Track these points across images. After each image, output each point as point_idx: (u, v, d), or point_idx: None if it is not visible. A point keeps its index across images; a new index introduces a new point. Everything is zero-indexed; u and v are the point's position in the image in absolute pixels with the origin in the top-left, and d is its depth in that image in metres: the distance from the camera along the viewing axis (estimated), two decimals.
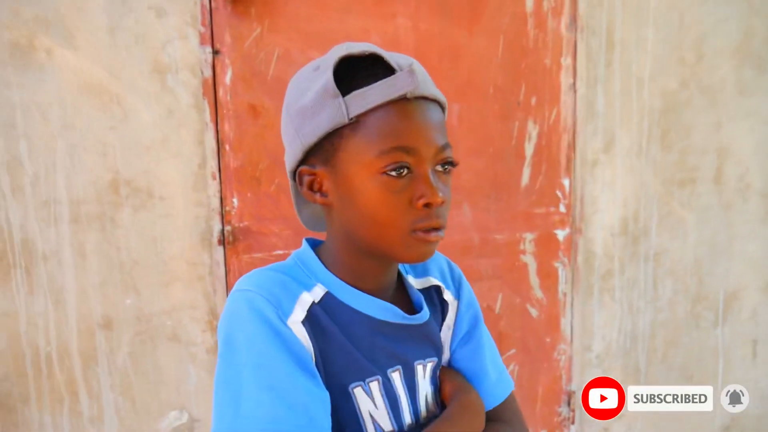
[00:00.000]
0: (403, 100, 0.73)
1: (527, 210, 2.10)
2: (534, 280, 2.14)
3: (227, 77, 1.81)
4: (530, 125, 2.06)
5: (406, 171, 0.73)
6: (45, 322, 1.78)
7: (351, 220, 0.77)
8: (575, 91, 2.08)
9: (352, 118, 0.73)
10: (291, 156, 0.81)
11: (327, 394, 0.74)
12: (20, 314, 1.76)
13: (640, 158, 2.18)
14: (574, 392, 2.22)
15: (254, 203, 1.87)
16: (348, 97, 0.72)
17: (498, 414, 0.91)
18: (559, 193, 2.12)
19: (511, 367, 2.16)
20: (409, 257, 0.77)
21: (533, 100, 2.06)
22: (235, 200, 1.85)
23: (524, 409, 2.15)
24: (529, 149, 2.08)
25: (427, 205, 0.73)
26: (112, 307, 1.81)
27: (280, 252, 1.88)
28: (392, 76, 0.72)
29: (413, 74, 0.71)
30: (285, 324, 0.73)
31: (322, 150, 0.76)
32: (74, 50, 1.71)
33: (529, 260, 2.13)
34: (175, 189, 1.81)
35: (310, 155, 0.78)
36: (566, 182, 2.12)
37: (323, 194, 0.79)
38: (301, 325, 0.75)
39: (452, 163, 0.78)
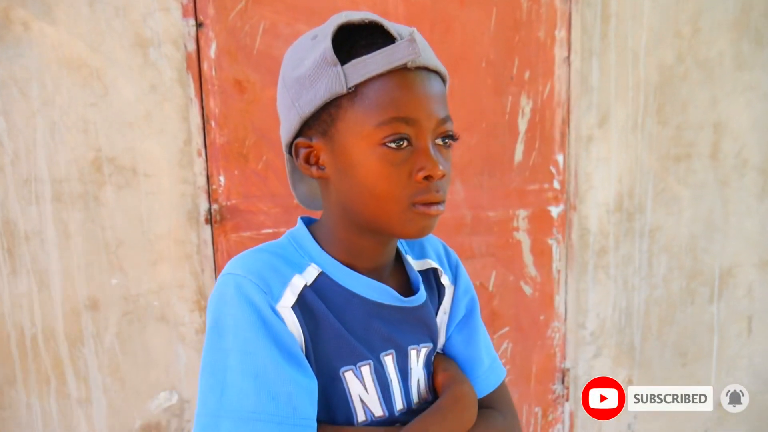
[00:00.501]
0: (403, 70, 0.70)
1: (521, 187, 2.07)
2: (528, 257, 2.12)
3: (211, 51, 1.76)
4: (524, 100, 2.02)
5: (405, 143, 0.70)
6: (29, 303, 1.74)
7: (348, 194, 0.74)
8: (569, 65, 2.04)
9: (350, 88, 0.70)
10: (287, 128, 0.78)
11: (313, 382, 0.72)
12: (3, 295, 1.73)
13: (636, 133, 2.15)
14: (568, 370, 2.20)
15: (241, 181, 1.83)
16: (347, 65, 0.69)
17: (490, 401, 0.89)
18: (553, 169, 2.08)
19: (505, 344, 2.14)
20: (408, 232, 0.74)
21: (527, 74, 2.01)
22: (221, 178, 1.81)
23: (518, 387, 2.14)
24: (522, 124, 2.04)
25: (427, 178, 0.71)
26: (98, 288, 1.78)
27: (269, 230, 1.84)
28: (393, 45, 0.69)
29: (414, 43, 0.69)
30: (274, 310, 0.71)
31: (320, 121, 0.73)
32: (52, 23, 1.66)
33: (523, 237, 2.10)
34: (160, 166, 1.77)
35: (306, 127, 0.75)
36: (560, 158, 2.08)
37: (320, 167, 0.76)
38: (291, 311, 0.72)
39: (453, 137, 0.76)
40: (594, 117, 2.10)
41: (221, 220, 1.82)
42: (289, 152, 0.80)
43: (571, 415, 2.24)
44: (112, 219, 1.76)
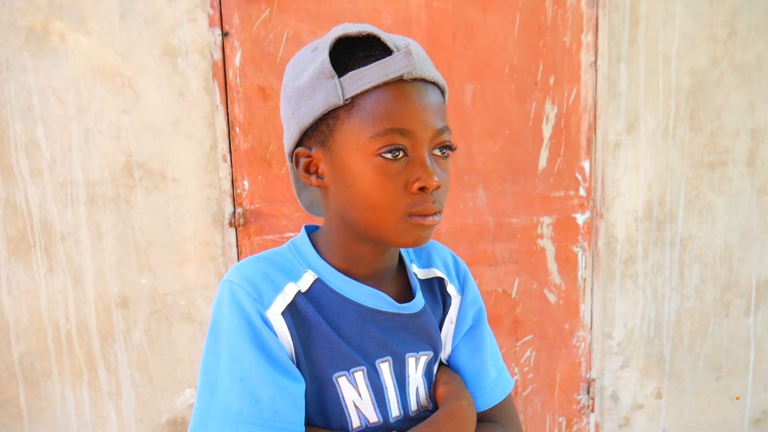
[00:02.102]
0: (399, 82, 0.71)
1: (545, 193, 2.05)
2: (552, 265, 2.10)
3: (236, 59, 1.81)
4: (548, 106, 2.00)
5: (401, 154, 0.71)
6: (64, 300, 1.84)
7: (346, 203, 0.76)
8: (596, 70, 2.00)
9: (347, 99, 0.71)
10: (288, 137, 0.80)
11: (299, 386, 0.74)
12: (40, 292, 1.82)
13: (666, 139, 2.10)
14: (594, 380, 2.17)
15: (265, 185, 1.88)
16: (344, 78, 0.71)
17: (494, 414, 0.89)
18: (578, 176, 2.06)
19: (528, 352, 2.12)
20: (404, 242, 0.75)
21: (551, 80, 1.99)
22: (245, 182, 1.87)
23: (542, 396, 2.12)
24: (547, 131, 2.02)
25: (422, 189, 0.72)
26: (128, 286, 1.86)
27: (291, 234, 1.89)
28: (388, 57, 0.70)
29: (410, 55, 0.69)
30: (263, 316, 0.74)
31: (318, 132, 0.75)
32: (87, 34, 1.74)
33: (547, 244, 2.08)
34: (187, 171, 1.84)
35: (306, 137, 0.77)
36: (586, 165, 2.05)
37: (319, 176, 0.78)
38: (281, 317, 0.75)
39: (450, 147, 0.76)
40: (622, 123, 2.06)
41: (245, 224, 1.88)
42: (291, 161, 0.82)
43: (597, 427, 2.20)
44: (142, 221, 1.84)
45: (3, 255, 1.80)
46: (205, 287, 1.89)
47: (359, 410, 0.79)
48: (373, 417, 0.80)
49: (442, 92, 0.78)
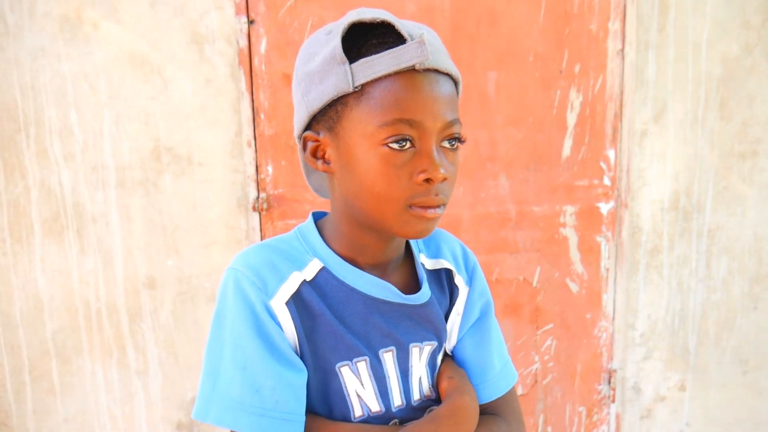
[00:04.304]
0: (411, 72, 0.70)
1: (568, 182, 2.03)
2: (575, 254, 2.08)
3: (262, 47, 1.84)
4: (573, 94, 1.99)
5: (408, 144, 0.71)
6: (95, 280, 1.90)
7: (350, 190, 0.76)
8: (623, 58, 1.98)
9: (357, 87, 0.71)
10: (297, 121, 0.80)
11: (301, 377, 0.75)
12: (72, 272, 1.89)
13: (695, 129, 2.06)
14: (615, 371, 2.15)
15: (288, 171, 1.91)
16: (355, 64, 0.71)
17: (496, 407, 0.89)
18: (603, 165, 2.04)
19: (549, 341, 2.12)
20: (406, 233, 0.75)
21: (577, 68, 1.97)
22: (269, 168, 1.90)
23: (562, 385, 2.12)
24: (571, 119, 2.00)
25: (427, 181, 0.72)
26: (156, 268, 1.92)
27: None
28: (401, 46, 0.70)
29: (423, 45, 0.69)
30: (266, 306, 0.74)
31: (327, 117, 0.75)
32: (118, 23, 1.79)
33: (570, 234, 2.07)
34: (213, 156, 1.88)
35: (314, 121, 0.77)
36: (611, 154, 2.03)
37: (326, 162, 0.78)
38: (285, 306, 0.75)
39: (460, 140, 0.76)
40: (649, 112, 2.03)
41: (268, 208, 1.91)
42: (300, 143, 0.82)
43: (617, 417, 2.19)
44: (169, 204, 1.89)
45: (38, 236, 1.87)
46: None
47: (361, 399, 0.80)
48: (375, 406, 0.80)
49: (456, 83, 0.77)
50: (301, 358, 0.77)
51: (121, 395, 1.97)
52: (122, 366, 1.96)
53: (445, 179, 0.72)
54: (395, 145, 0.71)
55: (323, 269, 0.79)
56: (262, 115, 1.87)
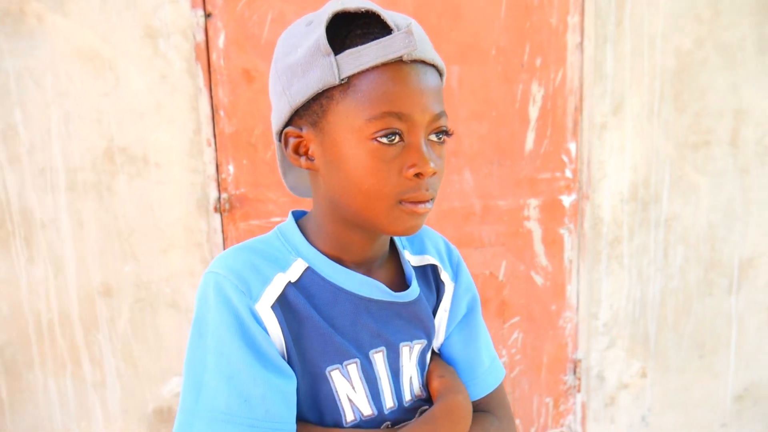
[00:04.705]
0: (398, 63, 0.68)
1: (531, 175, 2.04)
2: (539, 246, 2.10)
3: (220, 41, 1.77)
4: (535, 87, 2.00)
5: (397, 138, 0.69)
6: (45, 290, 1.80)
7: (337, 188, 0.73)
8: (582, 51, 2.00)
9: (343, 79, 0.68)
10: (277, 116, 0.76)
11: (291, 383, 0.72)
12: (21, 282, 1.78)
13: (652, 121, 2.10)
14: (580, 360, 2.19)
15: (250, 170, 1.85)
16: (340, 56, 0.67)
17: (486, 404, 0.88)
18: (565, 158, 2.06)
19: (515, 334, 2.13)
20: (395, 230, 0.73)
21: (538, 61, 1.99)
22: (230, 167, 1.83)
23: (529, 377, 2.13)
24: (533, 112, 2.01)
25: (417, 176, 0.69)
26: (112, 275, 1.83)
27: (278, 219, 1.86)
28: (388, 37, 0.67)
29: (411, 35, 0.66)
30: (252, 310, 0.71)
31: (310, 111, 0.72)
32: (65, 15, 1.69)
33: (534, 227, 2.08)
34: (170, 156, 1.80)
35: (296, 116, 0.74)
36: (572, 146, 2.05)
37: (309, 158, 0.74)
38: (271, 311, 0.72)
39: (447, 133, 0.74)
40: (608, 105, 2.06)
41: (230, 209, 1.85)
42: (279, 140, 0.78)
43: (583, 406, 2.22)
44: (125, 207, 1.80)
45: None
46: (190, 274, 1.86)
47: (353, 404, 0.77)
48: (367, 410, 0.78)
49: (441, 75, 0.75)
50: (289, 363, 0.73)
51: (77, 410, 1.87)
52: (77, 379, 1.86)
53: (434, 173, 0.70)
54: (384, 140, 0.68)
55: (308, 269, 0.76)
56: (221, 113, 1.80)
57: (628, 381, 2.25)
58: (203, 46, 1.76)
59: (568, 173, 2.07)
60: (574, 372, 2.19)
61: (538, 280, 2.12)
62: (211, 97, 1.79)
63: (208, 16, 1.76)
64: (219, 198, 1.83)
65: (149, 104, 1.76)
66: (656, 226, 2.18)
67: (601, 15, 2.00)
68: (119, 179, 1.78)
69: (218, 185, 1.83)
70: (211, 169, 1.82)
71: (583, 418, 2.23)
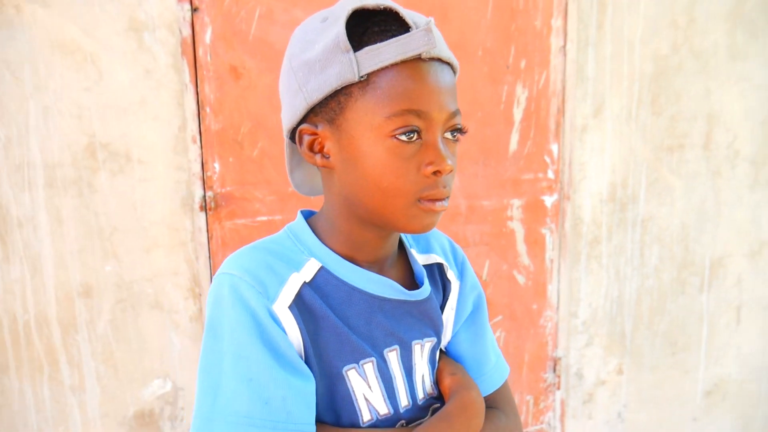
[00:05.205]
0: (417, 61, 0.68)
1: (515, 176, 2.07)
2: (521, 246, 2.13)
3: (207, 36, 1.74)
4: (519, 89, 2.02)
5: (416, 136, 0.69)
6: (22, 290, 1.73)
7: (353, 186, 0.72)
8: (565, 54, 2.03)
9: (362, 76, 0.67)
10: (290, 113, 0.75)
11: (310, 384, 0.71)
12: None
13: (630, 124, 2.15)
14: (560, 359, 2.22)
15: (236, 168, 1.82)
16: (359, 53, 0.67)
17: (494, 400, 0.89)
18: (547, 159, 2.09)
19: (498, 333, 2.15)
20: (412, 227, 0.73)
21: (523, 63, 2.01)
22: (216, 165, 1.80)
23: (511, 375, 2.15)
24: (517, 114, 2.04)
25: (435, 173, 0.70)
26: (92, 274, 1.77)
27: (264, 218, 1.84)
28: (408, 34, 0.67)
29: (431, 33, 0.67)
30: (270, 311, 0.70)
31: (327, 108, 0.71)
32: (45, 6, 1.63)
33: (517, 227, 2.11)
34: (154, 153, 1.76)
35: (312, 114, 0.73)
36: (555, 148, 2.08)
37: (325, 156, 0.74)
38: (288, 311, 0.71)
39: (461, 131, 0.74)
40: (589, 107, 2.10)
41: (216, 207, 1.81)
42: (291, 137, 0.77)
43: (562, 403, 2.26)
44: (106, 205, 1.75)
45: None
46: (174, 273, 1.82)
47: (369, 403, 0.77)
48: (383, 409, 0.78)
49: (455, 73, 0.76)
50: (307, 364, 0.72)
51: (54, 414, 1.81)
52: (55, 382, 1.79)
53: (451, 170, 0.70)
54: (403, 137, 0.68)
55: (322, 269, 0.75)
56: (207, 109, 1.77)
57: (605, 378, 2.30)
58: (189, 41, 1.73)
59: (551, 174, 2.10)
60: (554, 370, 2.23)
61: (521, 279, 2.15)
62: (197, 94, 1.75)
63: (194, 10, 1.72)
64: (204, 196, 1.80)
65: (133, 99, 1.72)
66: (633, 227, 2.23)
67: (584, 18, 2.04)
68: (101, 176, 1.73)
69: (203, 183, 1.80)
70: (197, 167, 1.78)
71: (562, 415, 2.27)
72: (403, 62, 0.68)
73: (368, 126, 0.69)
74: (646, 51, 2.12)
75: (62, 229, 1.73)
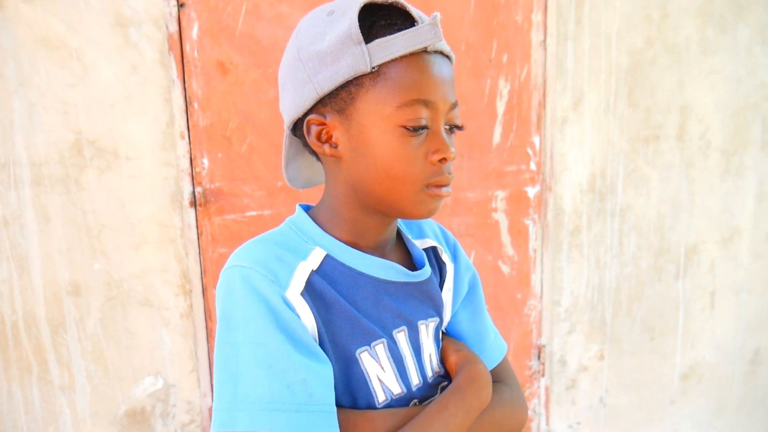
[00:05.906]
0: (423, 53, 0.72)
1: (499, 168, 2.11)
2: (505, 237, 2.17)
3: (194, 32, 1.74)
4: (501, 83, 2.06)
5: (424, 125, 0.72)
6: (9, 290, 1.71)
7: (362, 174, 0.75)
8: (545, 48, 2.08)
9: (374, 67, 0.71)
10: (297, 103, 0.77)
11: (328, 367, 0.73)
12: None
13: (608, 116, 2.21)
14: (544, 346, 2.27)
15: (225, 163, 1.82)
16: (371, 44, 0.70)
17: (497, 375, 0.92)
18: (529, 151, 2.13)
19: None
20: (419, 213, 0.76)
21: (505, 58, 2.05)
22: (205, 161, 1.80)
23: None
24: (500, 107, 2.08)
25: (441, 161, 0.73)
26: (80, 273, 1.75)
27: (253, 213, 1.84)
28: (416, 27, 0.70)
29: (437, 27, 0.70)
30: (283, 298, 0.71)
31: (337, 99, 0.74)
32: (28, 1, 1.61)
33: (501, 218, 2.15)
34: (142, 149, 1.75)
35: (319, 104, 0.75)
36: (536, 140, 2.13)
37: (333, 145, 0.76)
38: (301, 297, 0.73)
39: (459, 127, 0.79)
40: (569, 100, 2.15)
41: (205, 203, 1.81)
42: (293, 128, 0.80)
43: (547, 390, 2.31)
44: (94, 203, 1.73)
45: None
46: (163, 270, 1.81)
47: (383, 383, 0.79)
48: (396, 389, 0.80)
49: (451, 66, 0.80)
50: (322, 348, 0.74)
51: (44, 415, 1.79)
52: (44, 382, 1.77)
53: (454, 158, 0.74)
54: (412, 126, 0.72)
55: (327, 257, 0.78)
56: (195, 105, 1.77)
57: (587, 364, 2.36)
58: (176, 36, 1.72)
59: (533, 166, 2.15)
60: (539, 357, 2.28)
61: (505, 269, 2.19)
62: (185, 89, 1.75)
63: (181, 6, 1.72)
64: (193, 192, 1.80)
65: (119, 95, 1.71)
66: (612, 216, 2.30)
67: (563, 13, 2.09)
68: (88, 173, 1.72)
69: (192, 179, 1.79)
70: (185, 163, 1.78)
71: (547, 401, 2.32)
72: (411, 54, 0.71)
73: (379, 115, 0.72)
74: (622, 45, 2.18)
75: (50, 228, 1.71)
